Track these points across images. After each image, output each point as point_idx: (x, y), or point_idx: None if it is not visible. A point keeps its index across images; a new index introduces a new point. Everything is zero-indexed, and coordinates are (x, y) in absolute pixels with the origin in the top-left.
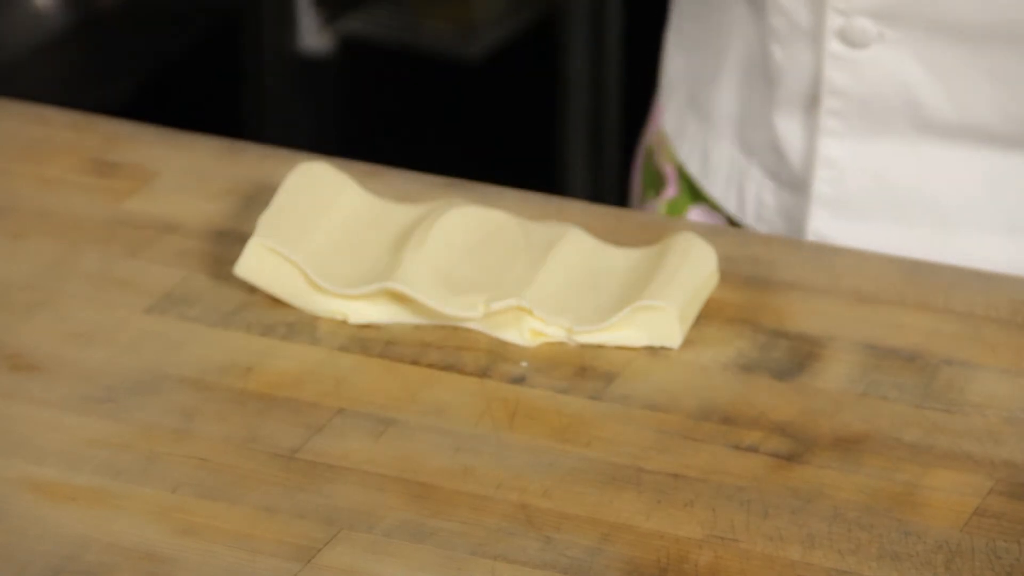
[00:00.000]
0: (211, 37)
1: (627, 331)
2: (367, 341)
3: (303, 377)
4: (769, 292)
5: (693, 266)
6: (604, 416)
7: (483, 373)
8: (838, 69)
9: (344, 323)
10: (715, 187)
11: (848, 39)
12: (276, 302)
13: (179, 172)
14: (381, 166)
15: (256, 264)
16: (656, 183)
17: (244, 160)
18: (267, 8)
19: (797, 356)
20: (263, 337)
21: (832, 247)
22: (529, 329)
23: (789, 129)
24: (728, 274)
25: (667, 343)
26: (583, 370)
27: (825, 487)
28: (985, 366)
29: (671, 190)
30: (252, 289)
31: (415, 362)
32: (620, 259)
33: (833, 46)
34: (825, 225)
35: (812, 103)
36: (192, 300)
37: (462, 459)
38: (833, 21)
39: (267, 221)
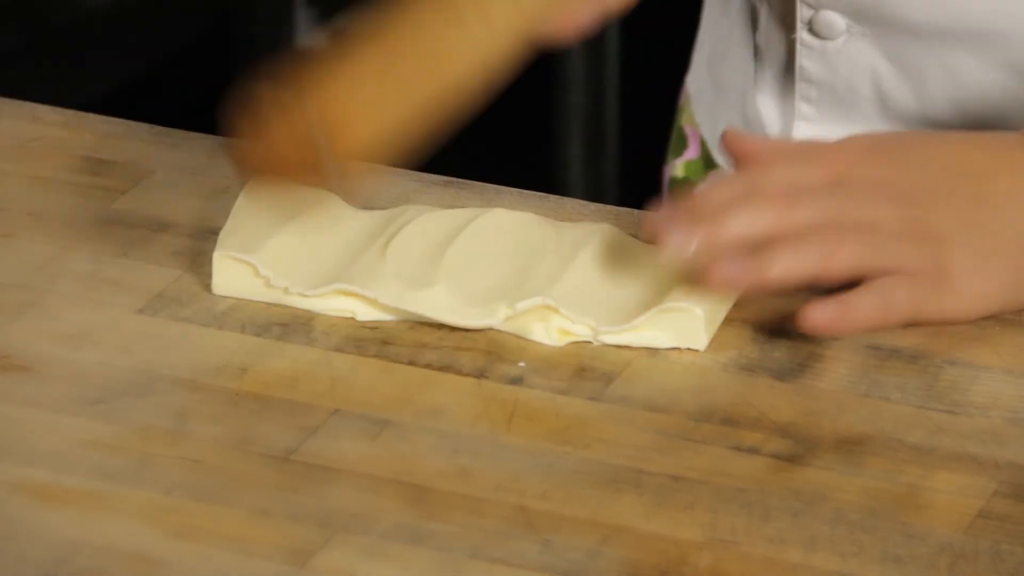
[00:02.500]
0: (205, 34)
1: (652, 332)
2: (362, 341)
3: (298, 378)
4: (770, 291)
5: None
6: (603, 417)
7: (480, 374)
8: (809, 58)
9: (339, 323)
10: (721, 154)
11: (817, 31)
12: (270, 302)
13: (172, 171)
14: (376, 165)
15: (229, 279)
16: (680, 144)
17: None
18: (261, 6)
19: (798, 357)
20: (257, 337)
21: None
22: (556, 328)
23: (770, 110)
24: None
25: (693, 345)
26: (582, 371)
27: (827, 489)
28: (989, 367)
29: (692, 151)
30: None
31: (411, 362)
32: (651, 257)
33: (804, 36)
34: None
35: (788, 88)
36: (185, 300)
37: (459, 461)
38: (803, 12)
39: (227, 234)
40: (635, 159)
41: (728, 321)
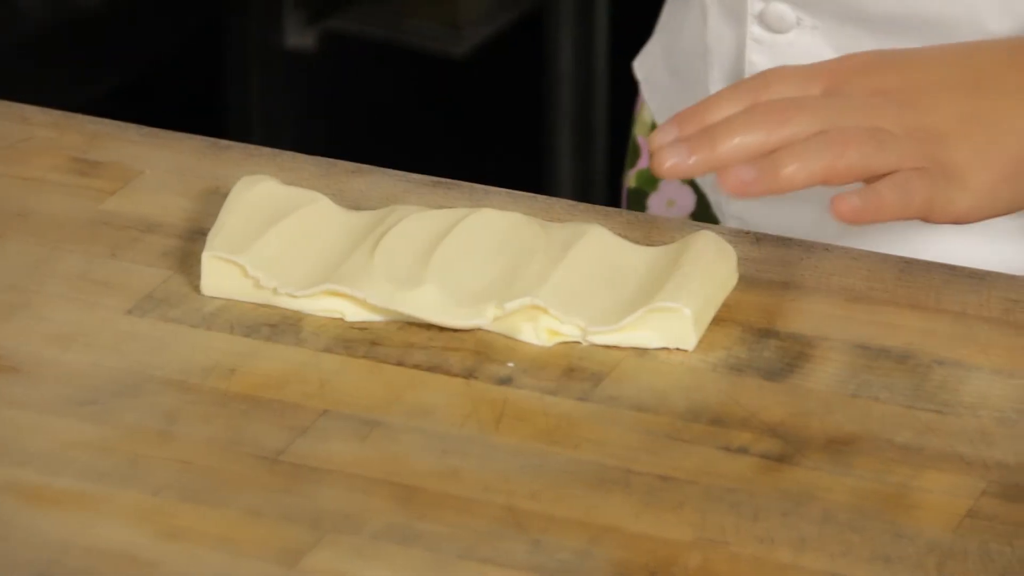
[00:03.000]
0: (195, 35)
1: (642, 332)
2: (351, 342)
3: (287, 378)
4: (759, 291)
5: (710, 266)
6: (592, 417)
7: (469, 374)
8: (759, 52)
9: (328, 324)
10: None
11: (768, 24)
12: (259, 303)
13: (162, 171)
14: (366, 165)
15: (219, 280)
16: (634, 154)
17: (227, 159)
18: (252, 6)
19: (787, 356)
20: (246, 338)
21: (823, 245)
22: (545, 329)
23: None
24: None
25: (681, 345)
26: (571, 371)
27: (816, 489)
28: (977, 366)
29: (644, 161)
30: None
31: (400, 363)
32: (640, 257)
33: (754, 30)
34: (745, 209)
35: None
36: (174, 301)
37: (448, 461)
38: (754, 6)
39: (215, 234)
40: (623, 160)
41: (717, 321)
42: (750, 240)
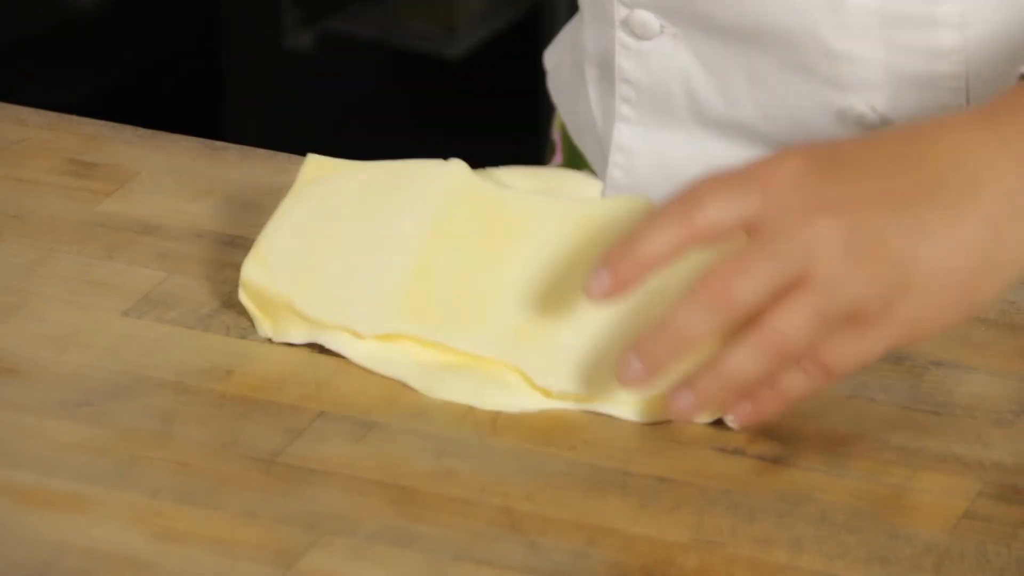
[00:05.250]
0: (192, 36)
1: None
2: None
3: (283, 380)
4: None
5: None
6: (588, 419)
7: None
8: (627, 58)
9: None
10: (581, 142)
11: (632, 30)
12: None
13: (157, 173)
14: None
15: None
16: (550, 151)
17: (224, 160)
18: (249, 6)
19: None
20: (242, 339)
21: None
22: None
23: (597, 110)
24: None
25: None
26: None
27: (812, 490)
28: (974, 368)
29: (557, 157)
30: (231, 291)
31: None
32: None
33: (621, 35)
34: None
35: (609, 88)
36: (171, 302)
37: (445, 463)
38: (619, 11)
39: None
40: None
41: None
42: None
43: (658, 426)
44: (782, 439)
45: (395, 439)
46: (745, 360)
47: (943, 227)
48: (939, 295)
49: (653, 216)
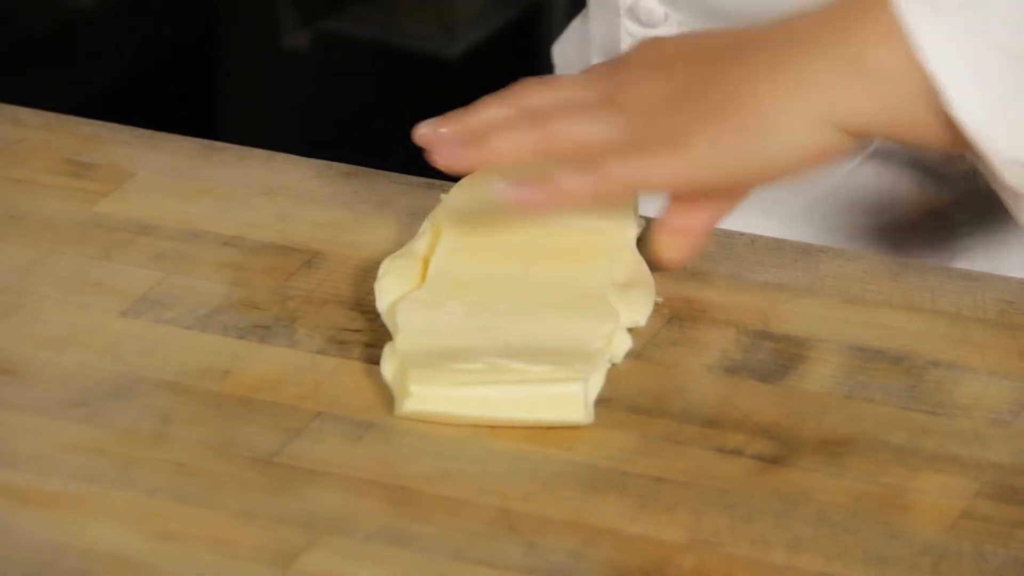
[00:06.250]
0: (189, 36)
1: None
2: (345, 344)
3: (281, 380)
4: (753, 293)
5: None
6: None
7: None
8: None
9: (321, 325)
10: None
11: (638, 17)
12: (252, 304)
13: (155, 173)
14: (361, 167)
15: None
16: None
17: (221, 160)
18: (246, 7)
19: (782, 358)
20: (240, 340)
21: (817, 247)
22: None
23: None
24: (711, 274)
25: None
26: None
27: (810, 490)
28: (972, 368)
29: None
30: (229, 291)
31: None
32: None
33: (626, 23)
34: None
35: None
36: (168, 303)
37: (442, 463)
38: (624, 0)
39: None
40: None
41: (711, 323)
42: (745, 241)
43: (656, 426)
44: (780, 439)
45: (392, 439)
46: (496, 113)
47: (755, 73)
48: (699, 133)
49: (488, 97)
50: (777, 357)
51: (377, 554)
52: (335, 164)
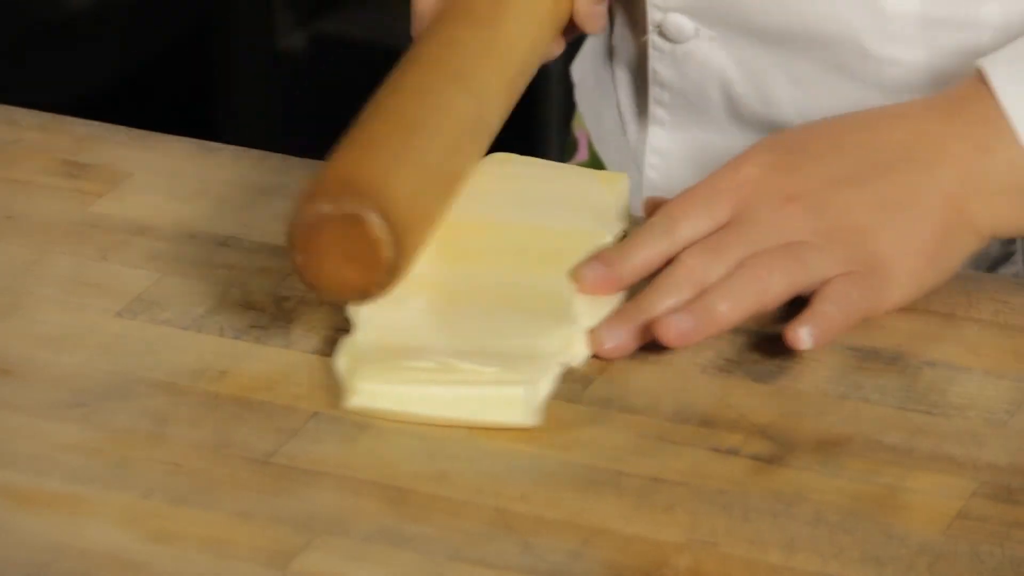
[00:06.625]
0: (185, 37)
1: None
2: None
3: (277, 380)
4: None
5: None
6: (582, 420)
7: None
8: (661, 61)
9: (317, 326)
10: (604, 150)
11: (667, 34)
12: (248, 304)
13: (150, 173)
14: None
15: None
16: (571, 148)
17: (217, 161)
18: (242, 7)
19: (777, 358)
20: (236, 340)
21: None
22: None
23: (628, 114)
24: None
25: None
26: (561, 372)
27: (806, 490)
28: (967, 367)
29: (581, 154)
30: (225, 292)
31: None
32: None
33: (655, 39)
34: None
35: (642, 91)
36: (164, 303)
37: (438, 464)
38: (653, 16)
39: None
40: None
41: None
42: None
43: (652, 427)
44: (776, 439)
45: (389, 440)
46: (673, 291)
47: (903, 200)
48: (902, 263)
49: (635, 234)
50: (772, 357)
51: (374, 554)
52: None
